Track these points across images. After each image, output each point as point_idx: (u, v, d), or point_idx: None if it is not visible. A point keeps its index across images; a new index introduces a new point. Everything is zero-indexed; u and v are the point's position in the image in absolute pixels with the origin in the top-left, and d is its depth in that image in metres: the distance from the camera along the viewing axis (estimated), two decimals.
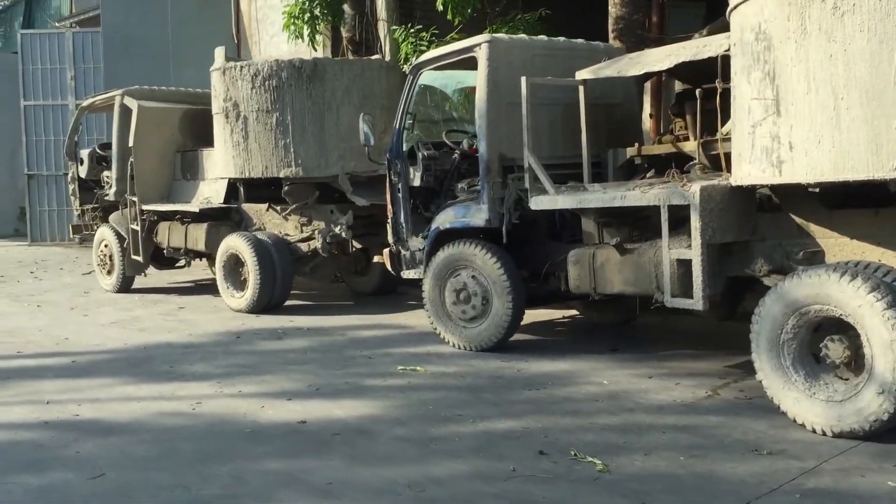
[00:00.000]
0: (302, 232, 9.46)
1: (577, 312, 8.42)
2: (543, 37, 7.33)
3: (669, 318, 7.95)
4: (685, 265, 5.47)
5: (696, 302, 5.35)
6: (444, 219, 7.28)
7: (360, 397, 5.77)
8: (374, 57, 10.09)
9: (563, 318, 8.41)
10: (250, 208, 9.91)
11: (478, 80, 6.95)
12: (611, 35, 9.48)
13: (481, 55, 6.91)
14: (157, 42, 16.48)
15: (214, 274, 11.74)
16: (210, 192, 10.26)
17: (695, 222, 5.32)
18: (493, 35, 6.96)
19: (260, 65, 9.02)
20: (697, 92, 6.06)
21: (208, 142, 10.72)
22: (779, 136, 4.78)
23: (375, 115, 9.24)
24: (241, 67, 9.09)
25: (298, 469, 4.42)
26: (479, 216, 6.96)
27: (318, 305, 9.70)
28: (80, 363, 7.00)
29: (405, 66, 10.30)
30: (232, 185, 9.99)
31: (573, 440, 4.73)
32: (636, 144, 6.92)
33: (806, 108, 4.62)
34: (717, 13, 10.33)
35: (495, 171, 6.89)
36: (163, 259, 11.03)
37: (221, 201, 10.02)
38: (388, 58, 10.47)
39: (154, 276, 11.40)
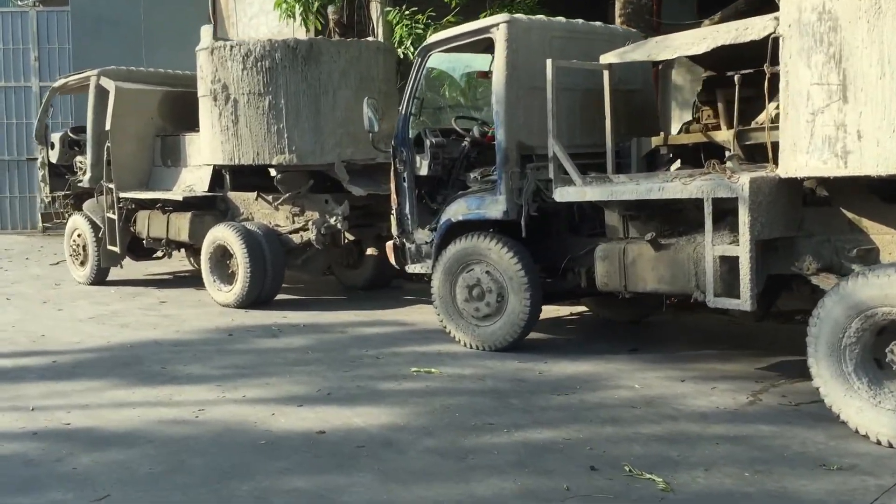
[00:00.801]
0: (294, 223, 8.95)
1: (586, 309, 8.05)
2: (562, 18, 6.90)
3: (683, 316, 7.64)
4: (729, 262, 5.10)
5: (743, 302, 4.99)
6: (456, 210, 6.84)
7: (377, 403, 5.33)
8: (370, 39, 9.59)
9: (572, 315, 8.04)
10: (237, 197, 9.39)
11: (495, 62, 6.52)
12: (618, 19, 9.11)
13: (499, 36, 6.48)
14: (129, 22, 15.77)
15: (194, 266, 11.30)
16: (193, 180, 9.71)
17: (743, 217, 4.95)
18: (512, 15, 6.52)
19: (252, 44, 8.48)
20: (736, 77, 5.68)
21: (190, 126, 10.18)
22: (845, 125, 4.42)
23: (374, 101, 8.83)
24: (232, 47, 8.55)
25: (327, 488, 3.97)
26: (495, 208, 6.54)
27: (310, 300, 9.22)
28: (62, 363, 6.47)
29: (401, 49, 9.85)
30: (217, 173, 9.46)
31: (622, 453, 4.34)
32: (661, 133, 6.55)
33: (879, 95, 4.27)
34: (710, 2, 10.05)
35: (514, 160, 6.47)
36: (140, 250, 10.44)
37: (206, 189, 9.48)
38: (381, 41, 9.97)
39: (129, 268, 10.79)
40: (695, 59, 6.96)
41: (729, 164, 5.41)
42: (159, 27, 15.76)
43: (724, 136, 6.04)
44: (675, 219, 5.85)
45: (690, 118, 7.06)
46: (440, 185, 7.49)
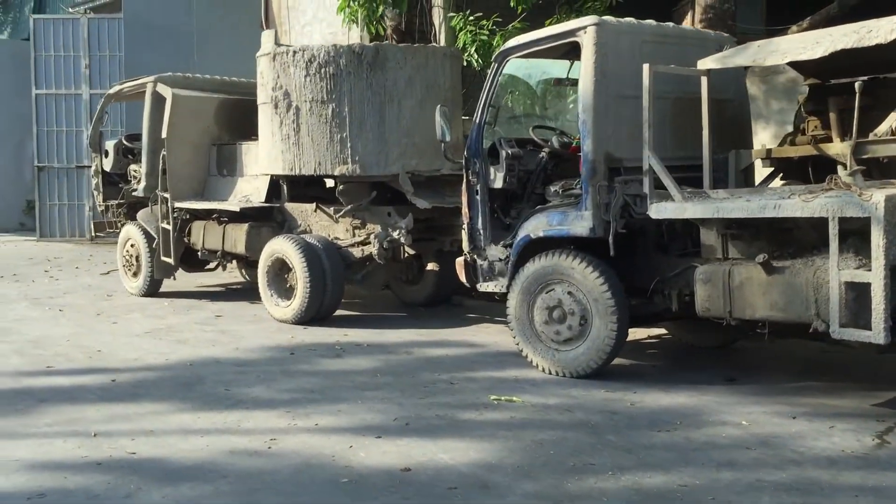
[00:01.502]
0: (354, 236, 8.59)
1: (665, 332, 7.57)
2: (652, 21, 6.46)
3: (773, 343, 7.11)
4: (857, 289, 4.63)
5: (876, 334, 4.52)
6: (536, 226, 6.42)
7: (461, 435, 4.91)
8: (435, 45, 9.21)
9: (650, 338, 7.56)
10: (295, 208, 9.04)
11: (582, 68, 6.10)
12: (698, 25, 8.65)
13: (587, 40, 6.06)
14: (181, 30, 15.60)
15: (246, 278, 11.00)
16: (250, 190, 9.39)
17: (877, 239, 4.48)
18: (601, 17, 6.09)
19: (316, 50, 8.13)
20: (857, 85, 5.21)
21: (245, 135, 9.89)
22: None
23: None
24: (295, 52, 8.21)
25: None
26: (580, 224, 6.10)
27: (369, 317, 8.84)
28: (122, 383, 6.13)
29: (465, 56, 9.47)
30: (274, 183, 9.13)
31: None
32: (762, 146, 6.08)
33: None
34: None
35: (602, 172, 6.03)
36: (192, 261, 10.13)
37: (263, 200, 9.15)
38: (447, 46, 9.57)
39: (181, 280, 10.47)
40: (797, 66, 6.50)
41: (851, 179, 4.94)
42: (211, 34, 15.58)
43: (837, 149, 5.58)
44: (785, 239, 5.38)
45: (791, 130, 6.57)
46: (514, 199, 7.08)
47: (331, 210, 8.56)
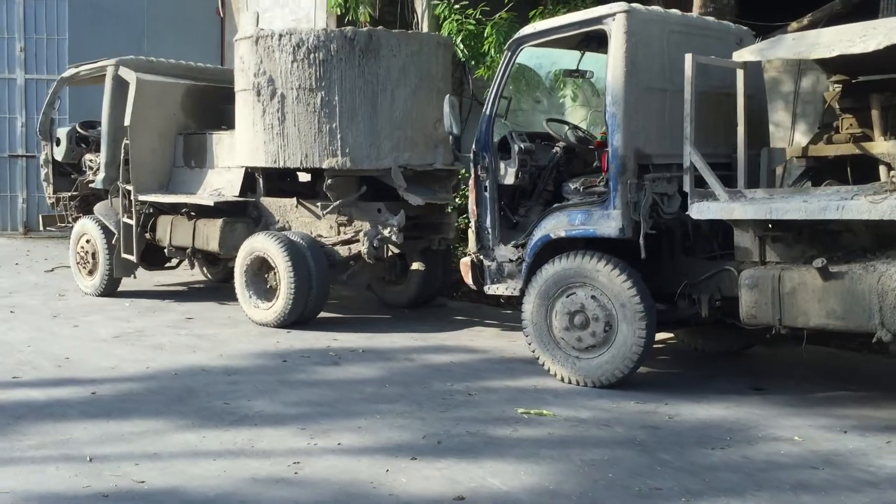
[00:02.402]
0: (339, 233, 8.05)
1: (671, 337, 7.27)
2: (677, 11, 6.12)
3: (784, 349, 6.87)
4: None
5: None
6: (556, 225, 6.02)
7: (503, 456, 4.48)
8: (427, 32, 8.72)
9: (657, 343, 7.23)
10: (272, 203, 8.46)
11: (610, 58, 5.71)
12: None
13: (616, 28, 5.68)
14: (131, 13, 14.71)
15: (208, 276, 10.36)
16: (221, 183, 8.76)
17: None
18: (630, 4, 5.72)
19: (304, 34, 7.57)
20: None
21: (214, 124, 9.28)
22: None
23: (431, 100, 8.00)
24: (281, 36, 7.62)
25: None
26: (607, 224, 5.72)
27: (352, 319, 8.32)
28: (104, 396, 5.51)
29: (458, 45, 9.02)
30: (249, 176, 8.54)
31: None
32: (795, 144, 5.80)
33: None
34: None
35: (632, 169, 5.66)
36: (152, 258, 9.44)
37: (237, 194, 8.55)
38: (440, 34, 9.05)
39: (138, 278, 9.73)
40: (821, 61, 6.23)
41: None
42: (163, 18, 14.74)
43: (882, 147, 5.31)
44: (832, 242, 5.10)
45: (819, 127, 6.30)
46: (522, 196, 6.69)
47: (316, 205, 7.99)
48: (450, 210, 8.40)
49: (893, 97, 5.41)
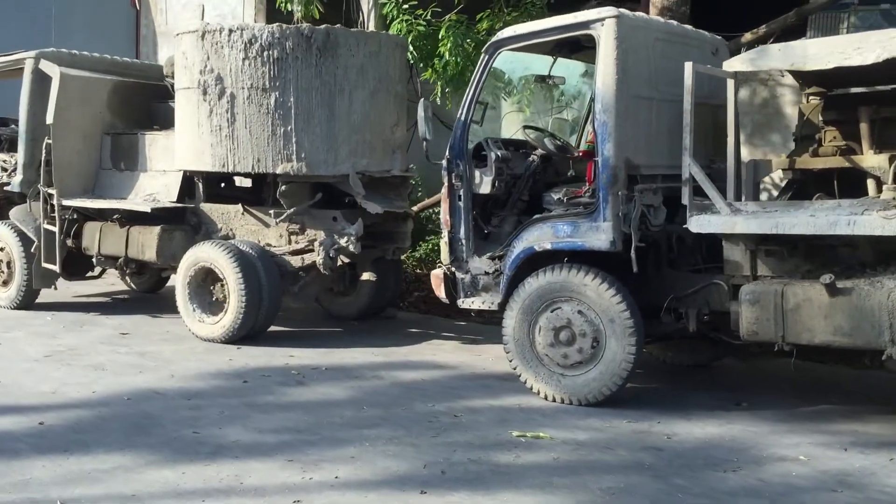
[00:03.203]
0: (290, 243, 7.59)
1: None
2: (659, 18, 5.99)
3: (754, 361, 6.83)
4: None
5: None
6: (539, 237, 5.77)
7: (517, 486, 4.20)
8: (384, 32, 8.32)
9: None
10: (214, 210, 7.92)
11: (600, 65, 5.50)
12: None
13: (606, 34, 5.48)
14: (38, 4, 13.75)
15: (132, 286, 9.68)
16: (156, 188, 8.17)
17: None
18: (619, 10, 5.52)
19: (257, 30, 7.08)
20: None
21: (142, 123, 8.68)
22: None
23: (389, 103, 7.65)
24: (231, 31, 7.10)
25: None
26: (596, 236, 5.51)
27: (301, 333, 7.87)
28: (53, 426, 4.95)
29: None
30: (187, 181, 7.98)
31: None
32: (783, 156, 5.73)
33: None
34: None
35: (622, 180, 5.47)
36: (71, 268, 8.70)
37: (174, 199, 7.98)
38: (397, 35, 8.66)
39: (56, 289, 8.98)
40: (798, 74, 6.21)
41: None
42: (73, 10, 13.84)
43: (874, 161, 5.28)
44: (828, 257, 5.03)
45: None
46: (494, 206, 6.43)
47: (268, 213, 7.50)
48: (405, 219, 8.06)
49: (881, 110, 5.39)
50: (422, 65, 9.09)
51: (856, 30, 10.14)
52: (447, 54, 8.47)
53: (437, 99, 9.26)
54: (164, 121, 8.65)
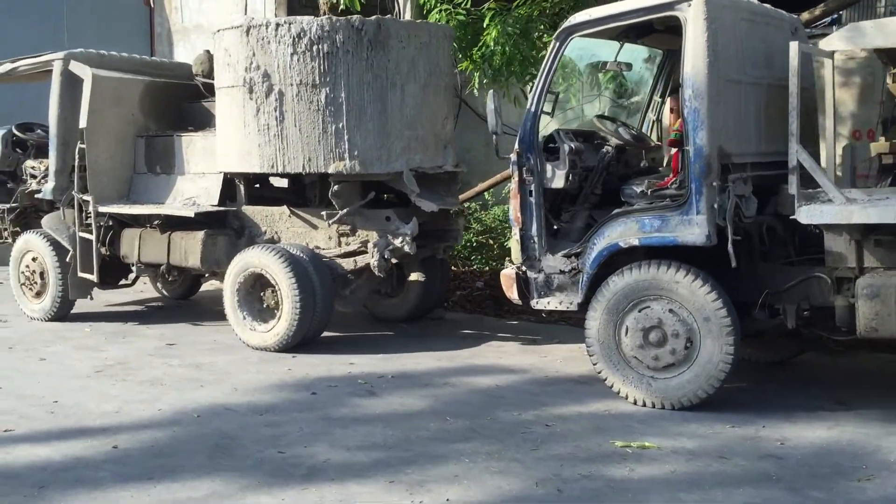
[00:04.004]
0: (340, 245, 7.28)
1: None
2: None
3: (840, 356, 6.54)
4: None
5: None
6: (624, 233, 5.46)
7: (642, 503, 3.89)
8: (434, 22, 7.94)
9: None
10: (258, 213, 7.59)
11: (689, 48, 5.19)
12: None
13: (694, 15, 5.16)
14: (49, 3, 13.37)
15: (163, 293, 9.36)
16: (195, 191, 7.84)
17: None
18: None
19: (306, 23, 6.73)
20: None
21: (173, 125, 8.36)
22: None
23: (440, 96, 7.34)
24: (279, 26, 6.77)
25: None
26: (690, 231, 5.20)
27: (353, 338, 7.56)
28: (129, 449, 4.63)
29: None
30: (228, 183, 7.66)
31: None
32: (883, 139, 5.43)
33: None
34: None
35: (716, 170, 5.16)
36: (106, 276, 8.36)
37: (216, 203, 7.65)
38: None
39: (93, 299, 8.65)
40: (886, 53, 5.90)
41: None
42: (85, 10, 13.46)
43: None
44: None
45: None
46: (564, 200, 6.12)
47: (320, 214, 7.16)
48: (456, 216, 7.75)
49: None
50: (460, 55, 8.75)
51: (893, 11, 9.86)
52: (492, 44, 8.12)
53: (475, 91, 8.95)
54: (198, 121, 8.33)
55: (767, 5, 5.99)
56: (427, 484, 4.12)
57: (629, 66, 6.62)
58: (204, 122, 8.30)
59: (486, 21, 8.14)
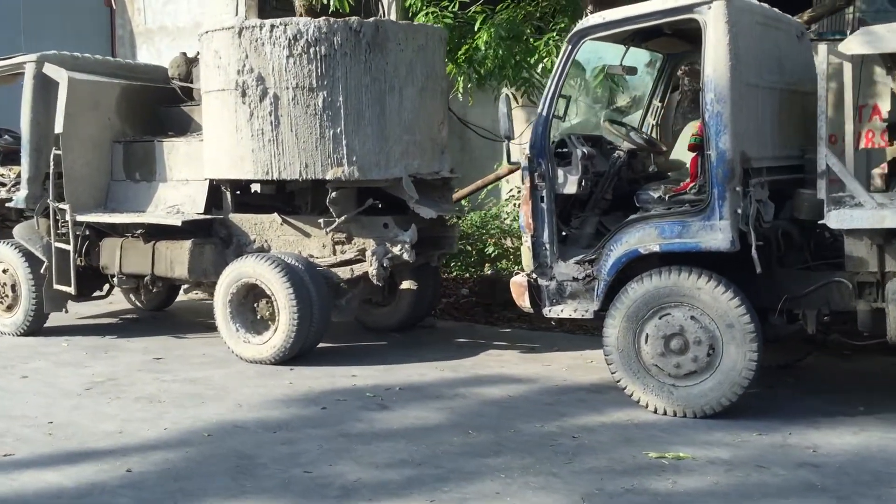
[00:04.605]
0: (335, 253, 7.06)
1: None
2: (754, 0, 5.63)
3: (845, 359, 6.55)
4: None
5: None
6: (642, 239, 5.37)
7: None
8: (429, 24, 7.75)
9: None
10: (245, 220, 7.33)
11: (710, 51, 5.12)
12: None
13: (715, 18, 5.10)
14: (4, 4, 12.87)
15: (138, 304, 9.00)
16: (179, 199, 7.54)
17: None
18: None
19: (302, 25, 6.51)
20: None
21: (150, 130, 8.05)
22: None
23: (437, 101, 7.19)
24: (273, 27, 6.54)
25: None
26: (712, 236, 5.13)
27: (347, 349, 7.34)
28: (144, 473, 4.37)
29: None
30: (213, 190, 7.39)
31: None
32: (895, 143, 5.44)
33: None
34: None
35: (739, 175, 5.10)
36: (80, 288, 7.98)
37: (201, 210, 7.38)
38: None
39: (67, 312, 8.25)
40: (889, 58, 5.92)
41: None
42: (43, 11, 12.99)
43: None
44: None
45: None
46: (572, 206, 6.01)
47: (318, 221, 6.92)
48: (452, 223, 7.60)
49: None
50: (445, 60, 8.61)
51: (861, 14, 10.00)
52: (483, 47, 8.00)
53: (459, 95, 8.82)
54: (177, 126, 8.05)
55: (776, 10, 5.98)
56: (468, 502, 3.96)
57: (634, 69, 6.56)
58: (183, 127, 8.02)
59: (478, 24, 8.02)
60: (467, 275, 10.05)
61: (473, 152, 10.67)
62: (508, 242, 10.35)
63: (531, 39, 8.19)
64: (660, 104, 6.82)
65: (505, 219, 10.50)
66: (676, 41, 6.40)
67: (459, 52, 8.40)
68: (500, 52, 7.80)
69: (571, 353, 6.98)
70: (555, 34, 8.11)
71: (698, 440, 4.85)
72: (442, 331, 8.07)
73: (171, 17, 12.54)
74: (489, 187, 10.14)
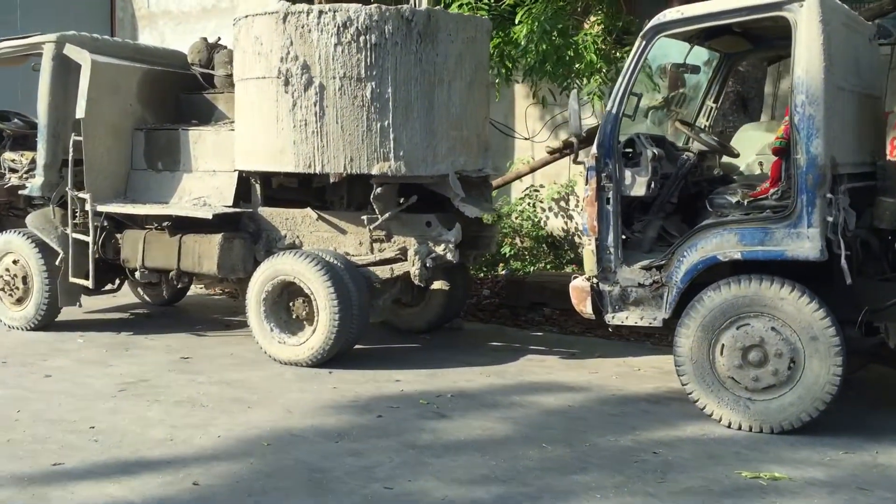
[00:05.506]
0: (373, 251, 6.75)
1: None
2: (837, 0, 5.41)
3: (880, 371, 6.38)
4: None
5: None
6: (721, 245, 5.13)
7: None
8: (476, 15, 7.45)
9: None
10: (276, 215, 7.00)
11: (801, 51, 4.89)
12: None
13: (807, 16, 4.88)
14: None
15: (146, 299, 8.65)
16: (205, 190, 7.19)
17: None
18: None
19: (353, 11, 6.19)
20: None
21: (171, 117, 7.71)
22: None
23: (483, 96, 6.92)
24: (322, 13, 6.20)
25: None
26: (799, 244, 4.91)
27: (382, 351, 7.05)
28: (212, 486, 4.04)
29: None
30: (242, 182, 7.06)
31: None
32: None
33: None
34: None
35: (829, 181, 4.89)
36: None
37: (230, 203, 7.03)
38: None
39: (81, 307, 7.86)
40: None
41: None
42: None
43: None
44: None
45: None
46: (635, 209, 5.77)
47: (365, 219, 6.58)
48: (491, 222, 7.33)
49: None
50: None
51: None
52: (523, 41, 7.71)
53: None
54: (201, 115, 7.70)
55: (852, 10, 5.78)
56: None
57: (697, 68, 6.34)
58: (206, 115, 7.67)
59: (519, 17, 7.73)
60: (482, 274, 9.82)
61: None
62: (518, 242, 10.13)
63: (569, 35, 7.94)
64: (713, 105, 6.60)
65: (517, 218, 10.28)
66: (740, 40, 6.18)
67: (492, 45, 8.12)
68: (544, 46, 7.51)
69: (615, 360, 6.75)
70: (594, 31, 7.88)
71: (787, 458, 4.63)
72: (470, 333, 7.81)
73: (176, 3, 12.11)
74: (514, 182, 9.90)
